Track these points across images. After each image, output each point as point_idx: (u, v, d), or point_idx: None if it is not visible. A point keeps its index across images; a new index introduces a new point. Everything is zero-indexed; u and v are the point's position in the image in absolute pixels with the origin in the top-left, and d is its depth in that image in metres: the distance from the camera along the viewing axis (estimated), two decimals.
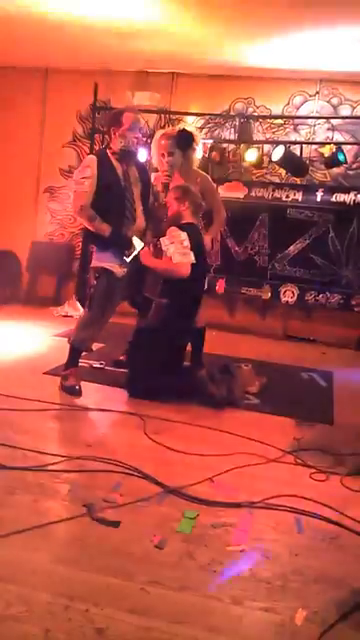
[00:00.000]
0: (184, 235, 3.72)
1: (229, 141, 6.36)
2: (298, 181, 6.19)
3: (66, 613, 1.73)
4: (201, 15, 4.67)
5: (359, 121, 6.11)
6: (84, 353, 3.92)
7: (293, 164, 6.03)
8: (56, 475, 2.61)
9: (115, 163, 3.68)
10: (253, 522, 2.38)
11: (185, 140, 4.12)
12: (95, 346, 3.97)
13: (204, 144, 6.14)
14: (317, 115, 6.20)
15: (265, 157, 6.09)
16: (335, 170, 6.06)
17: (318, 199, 6.05)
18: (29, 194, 7.10)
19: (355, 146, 6.07)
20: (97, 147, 6.38)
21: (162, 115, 6.56)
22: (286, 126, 6.28)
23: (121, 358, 4.38)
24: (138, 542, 2.15)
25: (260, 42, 5.20)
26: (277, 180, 6.29)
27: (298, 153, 6.03)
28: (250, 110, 6.38)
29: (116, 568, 1.98)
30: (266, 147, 6.15)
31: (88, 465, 2.74)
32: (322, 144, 6.06)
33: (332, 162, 5.88)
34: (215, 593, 1.90)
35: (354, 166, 6.10)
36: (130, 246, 3.68)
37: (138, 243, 3.72)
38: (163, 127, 6.26)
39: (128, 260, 3.71)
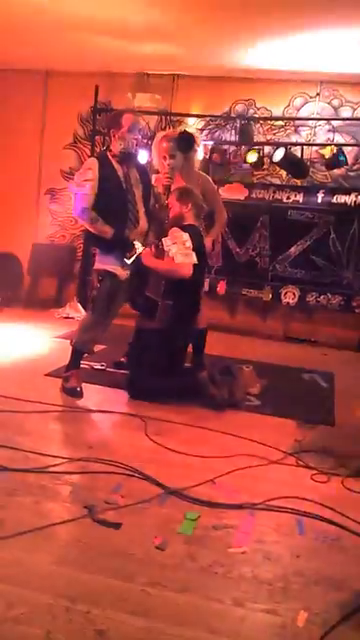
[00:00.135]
0: (186, 236, 3.72)
1: (230, 143, 6.37)
2: (299, 183, 6.20)
3: (67, 615, 1.73)
4: (202, 17, 4.68)
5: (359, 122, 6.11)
6: (86, 355, 3.92)
7: (294, 166, 6.03)
8: (57, 477, 2.61)
9: (116, 165, 3.68)
10: (254, 524, 2.37)
11: (186, 142, 4.12)
12: (96, 348, 3.97)
13: (205, 146, 6.16)
14: (318, 117, 6.20)
15: (266, 159, 6.09)
16: (336, 171, 6.07)
17: (319, 200, 6.05)
18: (30, 196, 7.11)
19: (356, 147, 6.07)
20: (98, 149, 6.38)
21: (163, 117, 6.56)
22: (287, 128, 6.28)
23: (122, 359, 4.38)
24: (139, 544, 2.15)
25: (261, 44, 5.21)
26: (278, 182, 6.29)
27: (299, 155, 6.03)
28: (251, 112, 6.39)
29: (117, 569, 1.98)
30: (267, 149, 6.15)
31: (89, 467, 2.74)
32: (323, 145, 6.06)
33: (333, 163, 5.88)
34: (216, 595, 1.90)
35: (355, 167, 6.10)
36: (132, 248, 3.69)
37: (139, 245, 3.72)
38: (164, 129, 6.27)
39: (129, 262, 3.71)
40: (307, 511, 2.49)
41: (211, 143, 6.24)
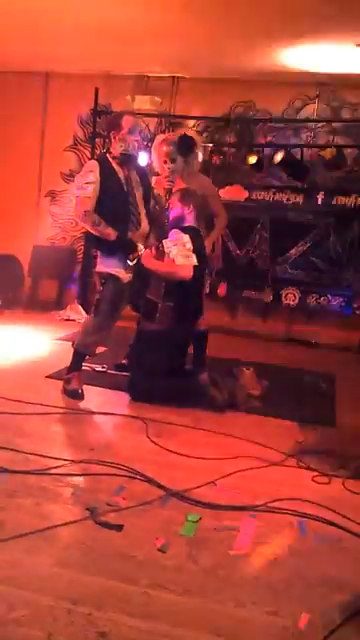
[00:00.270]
0: (187, 237, 3.72)
1: (230, 145, 6.37)
2: (299, 184, 6.20)
3: (69, 617, 1.73)
4: (202, 20, 4.69)
5: (359, 124, 6.11)
6: (87, 357, 3.92)
7: (294, 167, 6.04)
8: (59, 479, 2.61)
9: (117, 168, 3.68)
10: (256, 525, 2.37)
11: (186, 145, 4.12)
12: (97, 350, 3.97)
13: (205, 148, 6.16)
14: (317, 118, 6.21)
15: (266, 160, 6.09)
16: (336, 173, 6.07)
17: (319, 202, 6.05)
18: (30, 198, 7.12)
19: (355, 149, 6.07)
20: (98, 151, 6.39)
21: (163, 119, 6.57)
22: (287, 129, 6.28)
23: (123, 361, 4.38)
24: (141, 546, 2.15)
25: (260, 46, 5.22)
26: (278, 183, 6.29)
27: (299, 156, 6.04)
28: (250, 114, 6.39)
29: (119, 572, 1.98)
30: (267, 150, 6.15)
31: (91, 468, 2.74)
32: (323, 147, 6.06)
33: (333, 165, 5.89)
34: (218, 596, 1.90)
35: (355, 169, 6.10)
36: (134, 250, 3.69)
37: (140, 247, 3.73)
38: (164, 131, 6.27)
39: (131, 264, 3.71)
40: (308, 513, 2.49)
41: (211, 145, 6.25)
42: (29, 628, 1.67)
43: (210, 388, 3.82)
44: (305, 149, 6.12)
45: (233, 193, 6.21)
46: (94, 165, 3.66)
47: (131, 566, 2.02)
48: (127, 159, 3.70)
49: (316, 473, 2.93)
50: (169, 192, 4.07)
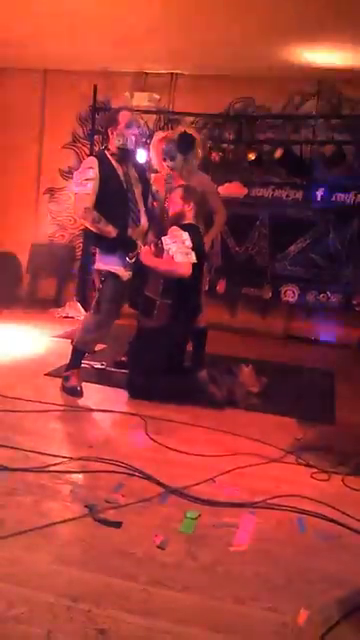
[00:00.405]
0: (186, 235, 3.71)
1: (229, 141, 6.36)
2: (298, 181, 6.19)
3: (68, 614, 1.73)
4: (200, 16, 4.68)
5: (359, 120, 6.10)
6: (86, 354, 3.92)
7: (293, 164, 6.03)
8: (58, 476, 2.61)
9: (115, 164, 3.66)
10: (255, 522, 2.37)
11: (186, 143, 4.11)
12: (96, 347, 3.97)
13: (204, 145, 6.15)
14: (317, 115, 6.19)
15: (265, 157, 6.08)
16: (335, 170, 6.06)
17: (318, 199, 6.04)
18: (29, 195, 7.11)
19: (355, 145, 6.06)
20: (97, 148, 6.37)
21: (161, 116, 6.56)
22: (286, 126, 6.27)
23: (122, 359, 4.38)
24: (140, 543, 2.15)
25: (260, 42, 5.21)
26: (277, 180, 6.28)
27: (298, 153, 6.03)
28: (250, 110, 6.38)
29: (118, 568, 1.98)
30: (266, 147, 6.14)
31: (90, 466, 2.74)
32: (322, 143, 6.05)
33: (332, 161, 5.87)
34: (217, 593, 1.90)
35: (354, 166, 6.09)
36: (134, 248, 3.68)
37: (139, 245, 3.72)
38: (162, 128, 6.26)
39: (131, 262, 3.71)
40: (307, 509, 2.49)
41: (210, 142, 6.23)
42: (28, 625, 1.67)
43: (209, 385, 3.83)
44: (305, 146, 6.11)
45: (232, 190, 6.20)
46: (93, 161, 3.64)
47: (130, 563, 2.02)
48: (125, 155, 3.69)
49: (315, 470, 2.93)
50: (169, 190, 4.06)
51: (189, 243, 3.71)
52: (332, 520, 2.42)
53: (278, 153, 5.86)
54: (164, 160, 4.09)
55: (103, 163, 3.63)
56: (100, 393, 3.89)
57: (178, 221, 3.83)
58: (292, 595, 1.93)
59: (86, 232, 3.76)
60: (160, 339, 3.81)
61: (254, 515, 2.42)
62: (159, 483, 2.60)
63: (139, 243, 3.71)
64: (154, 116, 6.56)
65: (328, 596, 1.93)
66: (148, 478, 2.65)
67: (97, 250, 3.84)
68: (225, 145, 6.31)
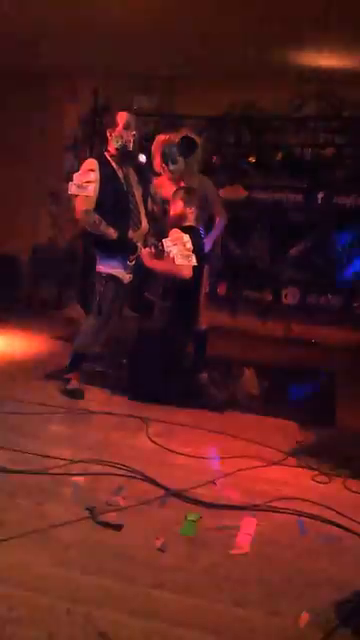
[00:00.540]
0: (187, 237, 3.72)
1: (229, 144, 6.36)
2: (299, 184, 6.19)
3: (69, 616, 1.73)
4: (201, 18, 4.69)
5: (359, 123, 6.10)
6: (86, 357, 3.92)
7: (293, 166, 6.03)
8: (58, 478, 2.60)
9: (115, 166, 3.66)
10: (256, 525, 2.37)
11: (188, 147, 4.11)
12: (97, 349, 3.97)
13: (205, 148, 6.15)
14: (318, 117, 6.19)
15: (265, 160, 6.08)
16: (336, 172, 6.06)
17: (319, 201, 6.04)
18: (30, 197, 7.11)
19: (356, 148, 6.06)
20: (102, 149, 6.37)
21: (162, 118, 6.56)
22: (286, 128, 6.27)
23: (123, 361, 4.37)
24: (141, 545, 2.14)
25: (260, 44, 5.21)
26: (278, 183, 6.28)
27: (299, 155, 6.03)
28: (250, 113, 6.38)
29: (119, 571, 1.98)
30: (266, 150, 6.14)
31: (90, 468, 2.74)
32: (323, 146, 6.05)
33: (333, 164, 5.88)
34: (218, 596, 1.90)
35: (354, 168, 6.09)
36: (134, 251, 3.68)
37: (140, 248, 3.73)
38: (163, 131, 6.25)
39: (131, 264, 3.71)
40: (308, 512, 2.49)
41: (211, 144, 6.24)
42: (29, 628, 1.67)
43: (210, 387, 3.83)
44: (305, 148, 6.11)
45: (233, 193, 6.19)
46: (94, 163, 3.62)
47: (131, 565, 2.02)
48: (124, 156, 3.67)
49: (316, 472, 2.93)
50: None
51: (190, 246, 3.71)
52: (333, 523, 2.42)
53: (278, 156, 5.86)
54: (165, 163, 4.09)
55: (103, 165, 3.63)
56: (101, 395, 3.88)
57: (179, 223, 3.84)
58: (293, 598, 1.92)
59: (87, 235, 3.74)
60: (161, 341, 3.81)
61: (255, 518, 2.42)
62: (160, 485, 2.60)
63: (139, 245, 3.71)
64: (155, 119, 6.56)
65: (329, 599, 1.93)
66: (149, 480, 2.65)
67: (98, 253, 3.83)
68: (225, 148, 6.31)
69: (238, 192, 6.23)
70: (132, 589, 1.89)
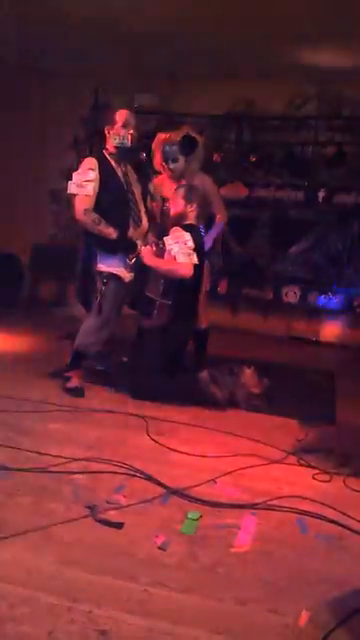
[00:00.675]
0: (188, 235, 3.71)
1: (230, 142, 6.35)
2: (300, 182, 6.18)
3: (69, 614, 1.73)
4: (201, 17, 4.68)
5: None
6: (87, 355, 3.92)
7: (294, 165, 6.02)
8: (59, 477, 2.61)
9: (114, 164, 3.66)
10: (256, 523, 2.37)
11: (189, 146, 4.11)
12: (98, 348, 3.96)
13: (205, 145, 6.14)
14: (318, 115, 6.18)
15: (266, 158, 6.07)
16: (336, 170, 6.05)
17: (320, 200, 6.04)
18: (30, 196, 7.11)
19: (356, 146, 6.05)
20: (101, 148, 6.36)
21: (163, 117, 6.55)
22: (287, 127, 6.26)
23: (123, 359, 4.37)
24: (141, 544, 2.15)
25: (260, 43, 5.20)
26: (279, 181, 6.27)
27: (299, 154, 6.02)
28: (251, 111, 6.37)
29: (119, 569, 1.98)
30: (267, 148, 6.13)
31: (91, 466, 2.74)
32: (323, 144, 6.04)
33: (334, 163, 5.87)
34: (218, 594, 1.90)
35: (355, 166, 6.08)
36: (135, 249, 3.67)
37: (140, 246, 3.72)
38: (164, 129, 6.25)
39: (131, 263, 3.70)
40: (309, 510, 2.49)
41: (212, 143, 6.23)
42: (29, 626, 1.67)
43: (211, 386, 3.83)
44: (306, 146, 6.11)
45: (234, 191, 6.19)
46: (93, 162, 3.61)
47: (131, 564, 2.02)
48: (123, 154, 3.66)
49: (317, 471, 2.93)
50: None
51: (191, 244, 3.71)
52: (333, 521, 2.42)
53: (279, 154, 5.85)
54: (165, 162, 4.08)
55: (102, 164, 3.62)
56: (101, 393, 3.89)
57: (179, 221, 3.83)
58: (293, 596, 1.92)
59: (87, 233, 3.73)
60: (161, 339, 3.81)
61: (255, 516, 2.42)
62: (160, 484, 2.60)
63: (139, 243, 3.71)
64: (155, 117, 6.55)
65: (329, 597, 1.93)
66: (149, 479, 2.65)
67: (98, 252, 3.82)
68: (226, 146, 6.31)
69: (239, 190, 6.22)
70: (133, 587, 1.89)
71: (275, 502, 2.54)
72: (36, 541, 2.10)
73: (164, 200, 4.11)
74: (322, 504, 2.54)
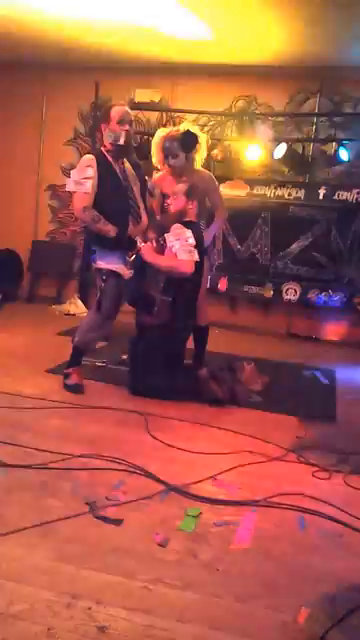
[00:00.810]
0: (189, 232, 3.70)
1: (231, 139, 6.34)
2: (300, 179, 6.18)
3: (68, 611, 1.73)
4: (202, 13, 4.66)
5: None
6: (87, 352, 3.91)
7: (295, 162, 6.02)
8: (58, 473, 2.60)
9: (113, 161, 3.64)
10: (256, 520, 2.37)
11: (190, 142, 4.09)
12: (97, 344, 3.97)
13: (206, 142, 6.12)
14: (319, 112, 6.17)
15: (267, 155, 6.07)
16: (337, 168, 6.05)
17: (320, 197, 6.03)
18: (30, 193, 7.10)
19: (357, 143, 6.04)
20: (99, 146, 6.35)
21: (163, 113, 6.54)
22: (288, 123, 6.25)
23: (123, 356, 4.37)
24: (140, 540, 2.14)
25: (261, 39, 5.19)
26: (279, 178, 6.27)
27: (300, 151, 6.01)
28: (252, 108, 6.36)
29: (118, 566, 1.97)
30: (268, 145, 6.12)
31: (90, 463, 2.74)
32: (324, 141, 6.03)
33: (334, 160, 5.86)
34: (217, 591, 1.90)
35: (356, 164, 6.07)
36: (134, 246, 3.66)
37: (139, 242, 3.71)
38: (164, 125, 6.24)
39: (130, 260, 3.69)
40: (309, 508, 2.48)
41: (212, 140, 6.22)
42: (28, 622, 1.67)
43: (210, 383, 3.82)
44: (307, 143, 6.10)
45: (234, 188, 6.19)
46: (91, 160, 3.59)
47: (131, 561, 2.01)
48: (120, 151, 3.64)
49: (316, 468, 2.93)
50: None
51: (192, 241, 3.70)
52: (333, 519, 2.41)
53: (280, 151, 5.85)
54: (165, 158, 4.07)
55: (101, 161, 3.60)
56: (101, 390, 3.88)
57: (180, 218, 3.82)
58: (293, 593, 1.92)
59: (87, 229, 3.71)
60: (161, 336, 3.80)
61: (255, 513, 2.42)
62: (159, 481, 2.60)
63: (139, 240, 3.70)
64: (156, 113, 6.54)
65: (329, 594, 1.93)
66: (149, 476, 2.64)
67: (97, 249, 3.80)
68: (227, 143, 6.30)
69: (239, 187, 6.21)
70: (132, 584, 1.89)
71: (275, 499, 2.53)
72: (35, 537, 2.09)
73: (164, 196, 4.10)
74: (322, 501, 2.54)
